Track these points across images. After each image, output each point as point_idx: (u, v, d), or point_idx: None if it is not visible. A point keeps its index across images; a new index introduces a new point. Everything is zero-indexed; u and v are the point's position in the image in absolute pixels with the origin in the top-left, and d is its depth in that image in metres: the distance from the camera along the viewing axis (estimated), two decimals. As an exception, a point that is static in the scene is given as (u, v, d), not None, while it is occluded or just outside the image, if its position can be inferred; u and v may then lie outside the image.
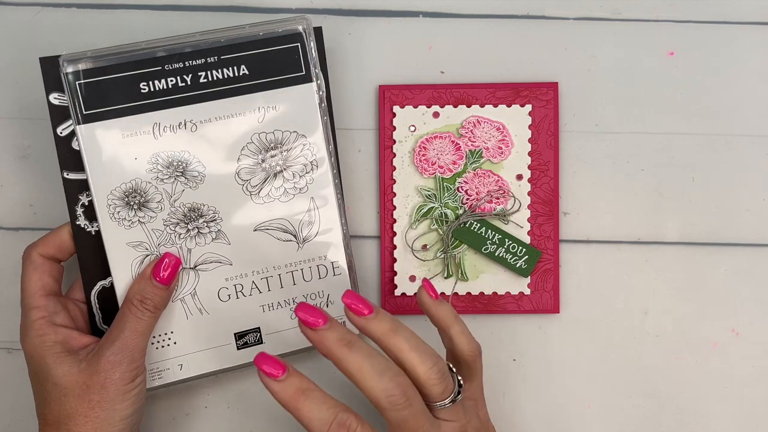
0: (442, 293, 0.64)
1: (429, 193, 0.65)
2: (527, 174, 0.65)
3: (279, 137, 0.61)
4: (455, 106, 0.65)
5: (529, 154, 0.65)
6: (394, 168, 0.65)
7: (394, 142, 0.65)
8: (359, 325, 0.53)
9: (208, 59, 0.60)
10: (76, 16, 0.66)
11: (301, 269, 0.62)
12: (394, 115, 0.65)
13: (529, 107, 0.65)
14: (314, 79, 0.61)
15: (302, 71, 0.61)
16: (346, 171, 0.66)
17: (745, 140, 0.66)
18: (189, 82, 0.60)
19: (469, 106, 0.65)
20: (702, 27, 0.66)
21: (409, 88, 0.65)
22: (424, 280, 0.58)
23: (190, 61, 0.60)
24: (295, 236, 0.62)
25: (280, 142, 0.61)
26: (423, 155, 0.65)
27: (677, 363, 0.66)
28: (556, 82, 0.65)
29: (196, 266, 0.61)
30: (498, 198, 0.65)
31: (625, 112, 0.66)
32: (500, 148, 0.65)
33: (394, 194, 0.65)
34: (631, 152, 0.66)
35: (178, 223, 0.61)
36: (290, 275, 0.62)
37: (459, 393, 0.54)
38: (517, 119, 0.65)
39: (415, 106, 0.65)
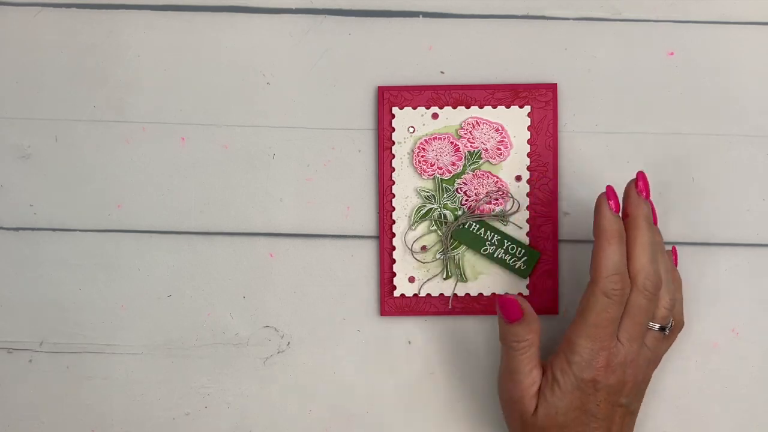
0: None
1: (428, 194, 0.65)
2: (526, 175, 0.65)
3: None
4: (454, 108, 0.65)
5: (528, 155, 0.65)
6: (393, 169, 0.65)
7: (393, 143, 0.65)
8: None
9: None
10: (76, 16, 0.66)
11: None
12: (392, 116, 0.65)
13: (528, 108, 0.65)
14: None
15: None
16: (347, 171, 0.66)
17: (745, 140, 0.66)
18: None
19: (468, 108, 0.65)
20: (702, 27, 0.66)
21: (408, 89, 0.65)
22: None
23: None
24: None
25: None
26: (422, 156, 0.65)
27: (677, 363, 0.66)
28: (555, 84, 0.65)
29: None
30: (497, 199, 0.65)
31: (625, 112, 0.66)
32: (499, 149, 0.65)
33: (393, 195, 0.65)
34: (631, 152, 0.66)
35: None
36: None
37: (666, 329, 0.59)
38: (516, 120, 0.65)
39: (414, 108, 0.65)
